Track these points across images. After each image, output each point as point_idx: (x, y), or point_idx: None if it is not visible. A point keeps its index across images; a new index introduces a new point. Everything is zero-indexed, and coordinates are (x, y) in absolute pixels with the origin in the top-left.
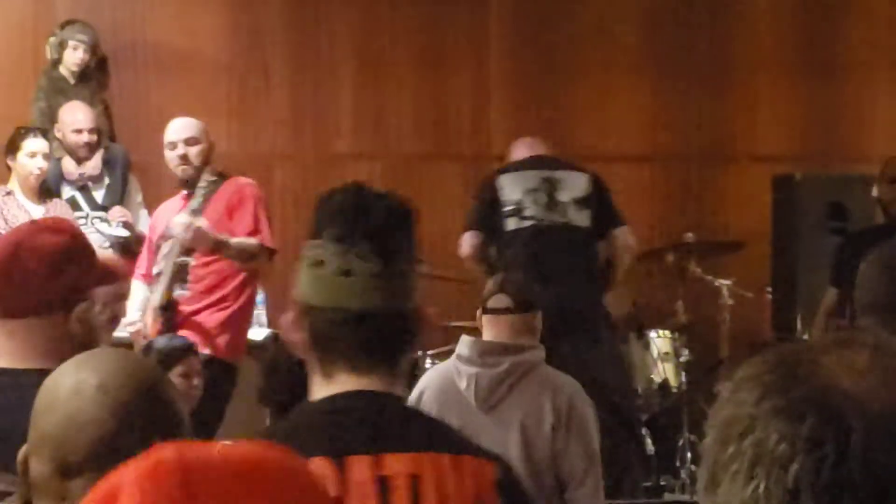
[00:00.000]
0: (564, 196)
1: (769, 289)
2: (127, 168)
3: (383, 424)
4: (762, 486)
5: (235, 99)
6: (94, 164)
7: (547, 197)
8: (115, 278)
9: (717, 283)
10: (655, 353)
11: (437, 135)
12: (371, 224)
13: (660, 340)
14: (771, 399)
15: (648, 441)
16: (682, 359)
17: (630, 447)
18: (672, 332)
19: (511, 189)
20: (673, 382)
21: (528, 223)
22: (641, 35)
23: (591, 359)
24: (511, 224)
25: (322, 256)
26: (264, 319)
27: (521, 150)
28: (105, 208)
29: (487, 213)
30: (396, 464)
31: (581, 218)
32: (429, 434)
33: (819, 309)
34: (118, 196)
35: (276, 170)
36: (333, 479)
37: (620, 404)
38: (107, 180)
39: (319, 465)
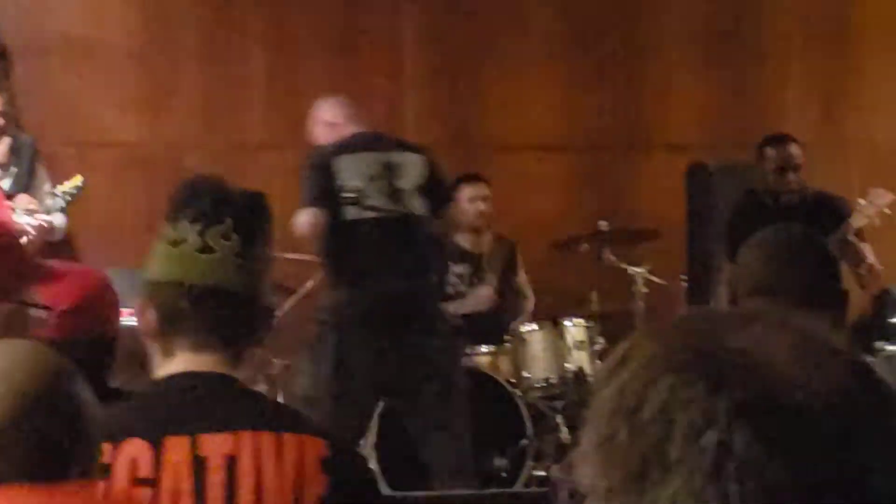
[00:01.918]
0: (405, 183)
1: (684, 276)
2: (34, 157)
3: (204, 405)
4: (734, 489)
5: (145, 87)
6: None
7: (388, 185)
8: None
9: (631, 272)
10: (570, 342)
11: None
12: (233, 206)
13: (574, 329)
14: (727, 393)
15: (564, 429)
16: (597, 347)
17: (466, 435)
18: (587, 320)
19: (350, 174)
20: (588, 371)
21: (369, 214)
22: (555, 24)
23: (428, 350)
24: (351, 213)
25: (184, 235)
26: None
27: (333, 114)
28: (10, 196)
29: (325, 193)
30: (214, 444)
31: (420, 205)
32: (252, 413)
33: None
34: (25, 184)
35: (186, 158)
36: (149, 460)
37: (454, 394)
38: (13, 169)
39: (136, 446)
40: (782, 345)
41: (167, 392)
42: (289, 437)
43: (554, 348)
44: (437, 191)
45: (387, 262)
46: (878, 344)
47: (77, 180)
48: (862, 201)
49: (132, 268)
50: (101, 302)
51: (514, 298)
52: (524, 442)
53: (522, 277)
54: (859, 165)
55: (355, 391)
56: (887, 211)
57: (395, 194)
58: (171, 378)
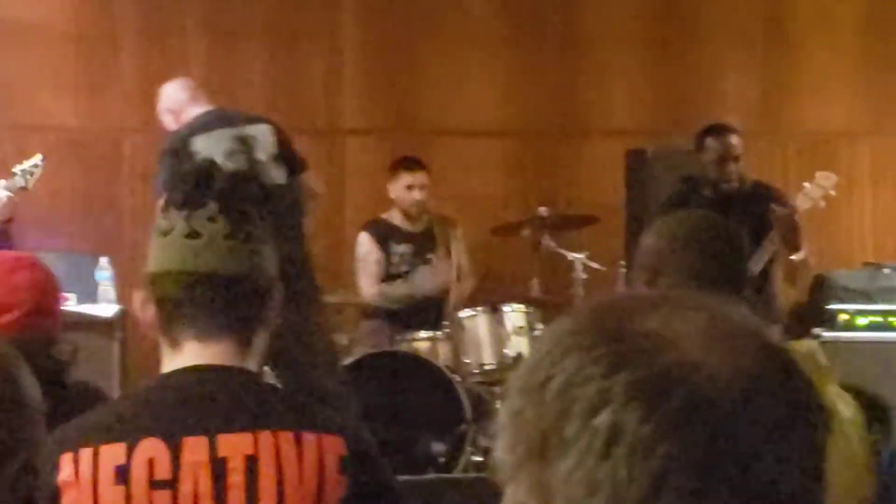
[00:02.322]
0: (262, 154)
1: (622, 262)
2: None
3: (221, 403)
4: (622, 470)
5: (83, 71)
6: None
7: (246, 159)
8: None
9: (570, 257)
10: (509, 327)
11: (289, 108)
12: (216, 187)
13: (514, 314)
14: (625, 373)
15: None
16: (536, 333)
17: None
18: (526, 305)
19: (210, 153)
20: (527, 356)
21: None
22: (494, 8)
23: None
24: None
25: (173, 223)
26: (113, 295)
27: (175, 99)
28: None
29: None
30: (233, 444)
31: (280, 175)
32: (270, 411)
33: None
34: None
35: (124, 143)
36: (167, 462)
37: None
38: None
39: (153, 446)
40: (691, 327)
41: (181, 389)
42: (308, 437)
43: (493, 334)
44: (291, 158)
45: None
46: (816, 330)
47: (36, 158)
48: (807, 184)
49: (69, 251)
50: (54, 299)
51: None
52: (463, 427)
53: (463, 258)
54: (797, 153)
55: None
56: (832, 193)
57: (253, 167)
58: (183, 373)
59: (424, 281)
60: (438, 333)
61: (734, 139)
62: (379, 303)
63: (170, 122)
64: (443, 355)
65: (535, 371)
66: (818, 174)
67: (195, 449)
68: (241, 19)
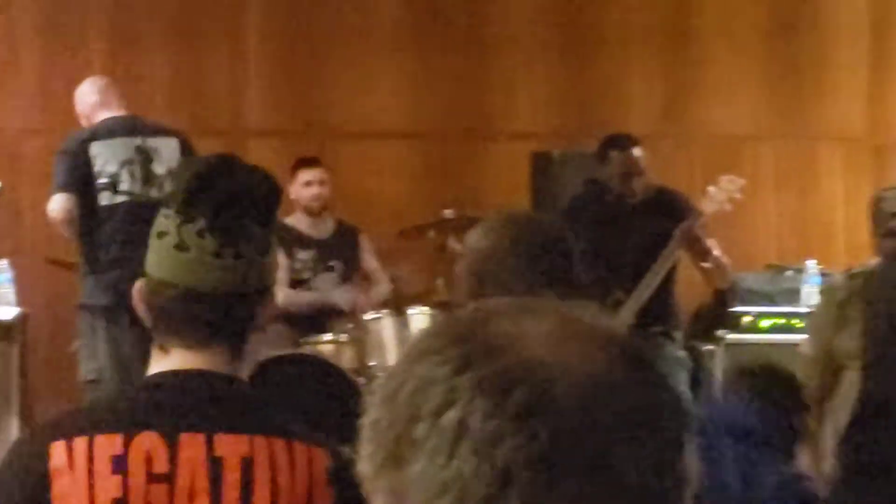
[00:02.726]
0: (160, 168)
1: None
2: None
3: (217, 404)
4: (468, 467)
5: None
6: None
7: (142, 170)
8: None
9: None
10: (415, 330)
11: (192, 109)
12: (215, 200)
13: (419, 317)
14: (471, 372)
15: None
16: None
17: None
18: (431, 308)
19: (105, 160)
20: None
21: (121, 199)
22: (400, 10)
23: None
24: (105, 199)
25: (165, 227)
26: (13, 298)
27: (87, 102)
28: None
29: (79, 178)
30: (230, 444)
31: None
32: (263, 417)
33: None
34: None
35: (24, 145)
36: (164, 456)
37: None
38: None
39: (150, 440)
40: (542, 328)
41: (176, 388)
42: (299, 446)
43: (399, 337)
44: None
45: (139, 247)
46: (719, 332)
47: None
48: (712, 188)
49: None
50: None
51: (361, 286)
52: None
53: (373, 264)
54: (701, 156)
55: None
56: (738, 196)
57: (149, 179)
58: (175, 375)
59: (337, 297)
60: (343, 336)
61: (637, 152)
62: (282, 308)
63: (84, 125)
64: (347, 358)
65: (391, 378)
66: (723, 178)
67: (192, 445)
68: (144, 20)
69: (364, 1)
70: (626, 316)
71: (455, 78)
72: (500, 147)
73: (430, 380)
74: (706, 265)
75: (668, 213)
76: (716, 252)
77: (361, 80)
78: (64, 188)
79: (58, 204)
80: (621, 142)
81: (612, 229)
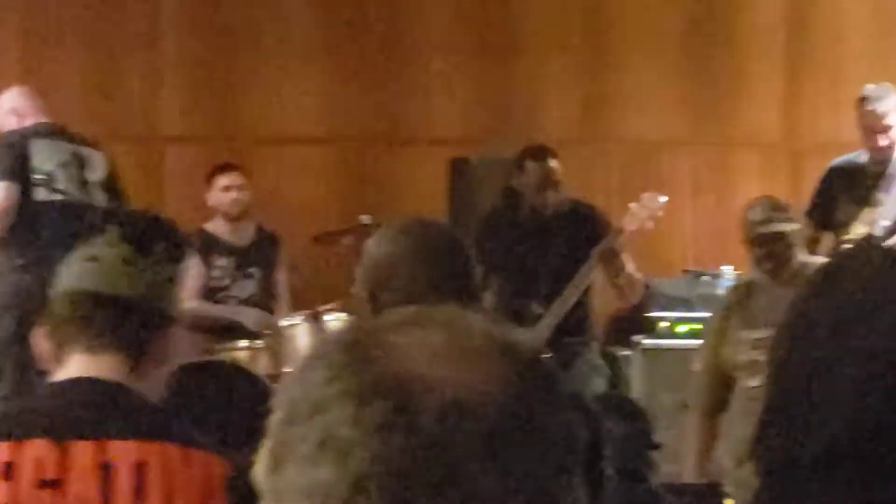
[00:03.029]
0: (92, 176)
1: None
2: None
3: (110, 411)
4: (328, 474)
5: None
6: None
7: (77, 174)
8: None
9: None
10: None
11: (106, 114)
12: (120, 218)
13: (336, 323)
14: (342, 380)
15: None
16: None
17: None
18: (348, 314)
19: (43, 158)
20: None
21: (58, 197)
22: (316, 16)
23: None
24: (41, 194)
25: (80, 250)
26: None
27: (19, 103)
28: None
29: (19, 169)
30: (121, 451)
31: (102, 201)
32: (157, 424)
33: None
34: None
35: None
36: (54, 462)
37: None
38: None
39: (39, 447)
40: (428, 342)
41: (69, 395)
42: (195, 453)
43: (315, 343)
44: (116, 189)
45: (67, 249)
46: (636, 338)
47: None
48: (634, 205)
49: None
50: None
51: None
52: None
53: (282, 276)
54: (618, 161)
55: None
56: (660, 214)
57: (83, 185)
58: (69, 382)
59: (244, 316)
60: (258, 342)
61: (553, 163)
62: (193, 317)
63: (7, 123)
64: (263, 365)
65: (286, 384)
66: (644, 195)
67: (83, 452)
68: (58, 24)
69: (280, 6)
70: (543, 330)
71: (372, 83)
72: (417, 152)
73: (309, 386)
74: (619, 281)
75: (584, 227)
76: (630, 267)
77: (277, 86)
78: (5, 177)
79: (1, 192)
80: (538, 152)
81: (528, 243)
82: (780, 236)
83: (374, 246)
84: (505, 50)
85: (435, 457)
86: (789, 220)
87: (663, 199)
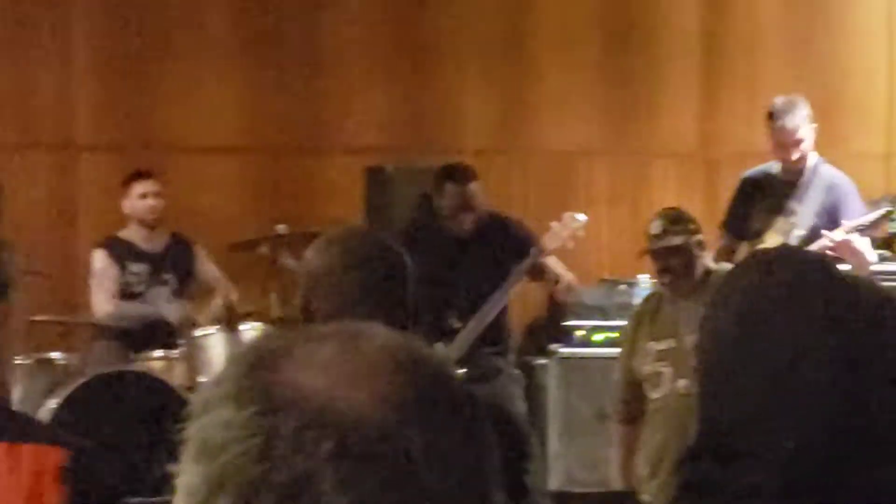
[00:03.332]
0: None
1: None
2: None
3: None
4: (199, 474)
5: None
6: None
7: None
8: None
9: None
10: None
11: (20, 122)
12: None
13: (251, 333)
14: (226, 384)
15: None
16: None
17: None
18: (264, 324)
19: None
20: None
21: None
22: (231, 24)
23: None
24: None
25: None
26: None
27: None
28: None
29: None
30: None
31: None
32: None
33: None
34: None
35: None
36: None
37: None
38: None
39: None
40: (319, 356)
41: None
42: (28, 449)
43: (230, 353)
44: None
45: None
46: (553, 346)
47: None
48: (555, 224)
49: None
50: None
51: (199, 297)
52: None
53: (212, 272)
54: (535, 171)
55: None
56: (580, 234)
57: None
58: None
59: (166, 311)
60: (174, 353)
61: (473, 186)
62: (113, 321)
63: None
64: (178, 375)
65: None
66: (565, 214)
67: None
68: None
69: (195, 14)
70: (461, 344)
71: (288, 92)
72: (333, 161)
73: (204, 390)
74: (560, 287)
75: (502, 242)
76: (559, 271)
77: (193, 94)
78: None
79: None
80: (458, 175)
81: (447, 256)
82: (675, 250)
83: (312, 256)
84: (422, 59)
85: (288, 466)
86: (687, 232)
87: (583, 218)
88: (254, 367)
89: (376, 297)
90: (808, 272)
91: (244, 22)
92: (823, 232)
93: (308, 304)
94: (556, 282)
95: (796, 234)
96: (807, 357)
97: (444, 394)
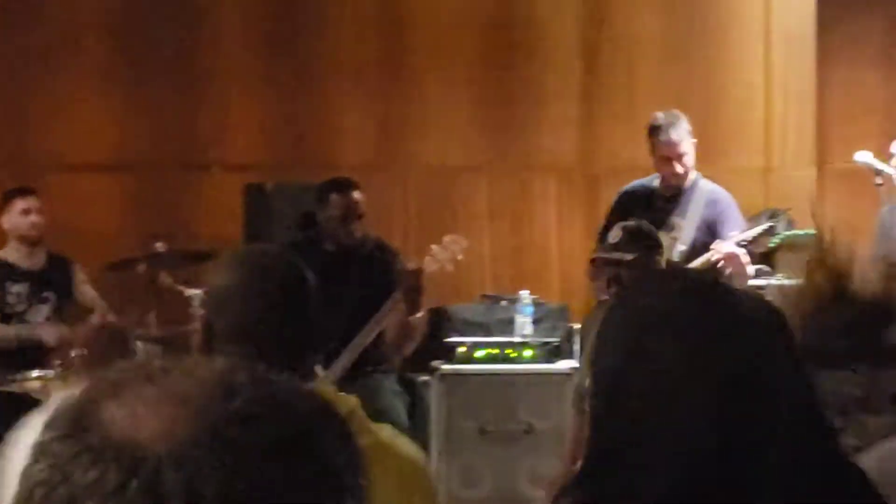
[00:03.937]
0: None
1: None
2: None
3: None
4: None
5: None
6: None
7: None
8: None
9: (188, 293)
10: None
11: None
12: None
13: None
14: (52, 420)
15: None
16: None
17: None
18: (144, 342)
19: None
20: None
21: None
22: (108, 42)
23: None
24: None
25: None
26: None
27: None
28: None
29: None
30: None
31: None
32: None
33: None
34: None
35: None
36: None
37: None
38: None
39: None
40: (137, 393)
41: None
42: None
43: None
44: None
45: None
46: (435, 363)
47: None
48: (434, 247)
49: None
50: None
51: (77, 317)
52: None
53: (90, 293)
54: (415, 187)
55: None
56: (460, 257)
57: None
58: None
59: (42, 331)
60: (50, 373)
61: (357, 195)
62: None
63: None
64: (55, 395)
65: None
66: (446, 237)
67: None
68: None
69: (72, 31)
70: (340, 365)
71: (166, 108)
72: (212, 179)
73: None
74: (412, 319)
75: (383, 268)
76: (422, 311)
77: (70, 112)
78: None
79: None
80: (341, 185)
81: (327, 278)
82: (628, 264)
83: (210, 276)
84: (301, 76)
85: (73, 496)
86: (644, 248)
87: (464, 242)
88: (78, 402)
89: (280, 314)
90: (692, 293)
91: (121, 38)
92: (715, 244)
93: (210, 325)
94: (413, 313)
95: (678, 249)
96: (691, 377)
97: (251, 433)
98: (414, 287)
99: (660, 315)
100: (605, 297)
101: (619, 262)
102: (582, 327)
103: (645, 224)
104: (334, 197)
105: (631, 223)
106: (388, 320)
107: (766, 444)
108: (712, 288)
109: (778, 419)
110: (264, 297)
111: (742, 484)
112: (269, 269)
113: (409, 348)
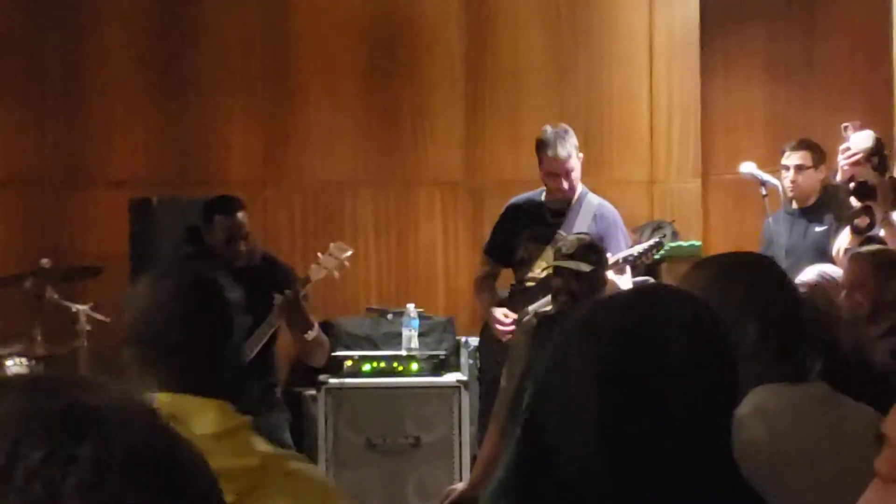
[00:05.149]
0: None
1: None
2: None
3: None
4: None
5: None
6: None
7: None
8: None
9: (74, 309)
10: None
11: None
12: None
13: (17, 368)
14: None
15: None
16: None
17: None
18: (30, 360)
19: None
20: None
21: None
22: None
23: None
24: None
25: None
26: None
27: None
28: None
29: None
30: None
31: None
32: None
33: None
34: None
35: None
36: None
37: None
38: None
39: None
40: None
41: None
42: None
43: None
44: None
45: None
46: (322, 377)
47: None
48: (321, 255)
49: None
50: None
51: None
52: None
53: None
54: (301, 202)
55: None
56: (347, 264)
57: None
58: None
59: None
60: None
61: (241, 215)
62: None
63: None
64: None
65: None
66: (332, 245)
67: None
68: None
69: None
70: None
71: (50, 125)
72: (97, 194)
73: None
74: (306, 337)
75: (271, 281)
76: (316, 329)
77: None
78: None
79: None
80: (225, 206)
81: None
82: (582, 276)
83: (133, 296)
84: (186, 90)
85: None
86: (598, 263)
87: (349, 250)
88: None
89: (206, 326)
90: (618, 300)
91: (5, 56)
92: None
93: (131, 345)
94: (305, 330)
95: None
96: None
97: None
98: (294, 310)
99: (582, 323)
100: (549, 308)
101: (571, 273)
102: (490, 341)
103: (596, 238)
104: (218, 219)
105: (584, 235)
106: (270, 331)
107: (650, 445)
108: (642, 294)
109: (668, 422)
110: (180, 313)
111: (630, 485)
112: (194, 284)
113: (322, 358)
